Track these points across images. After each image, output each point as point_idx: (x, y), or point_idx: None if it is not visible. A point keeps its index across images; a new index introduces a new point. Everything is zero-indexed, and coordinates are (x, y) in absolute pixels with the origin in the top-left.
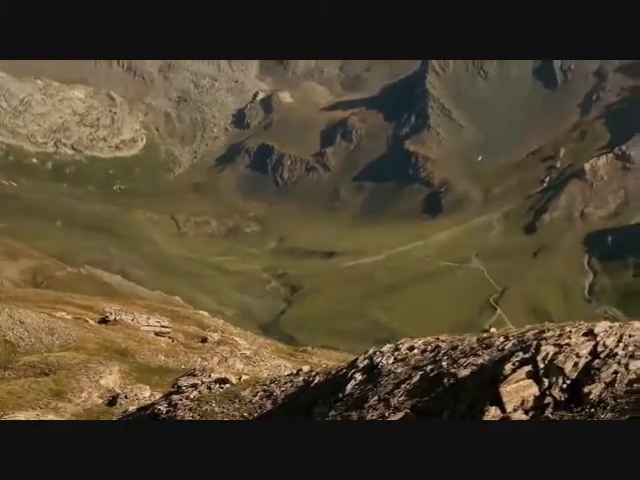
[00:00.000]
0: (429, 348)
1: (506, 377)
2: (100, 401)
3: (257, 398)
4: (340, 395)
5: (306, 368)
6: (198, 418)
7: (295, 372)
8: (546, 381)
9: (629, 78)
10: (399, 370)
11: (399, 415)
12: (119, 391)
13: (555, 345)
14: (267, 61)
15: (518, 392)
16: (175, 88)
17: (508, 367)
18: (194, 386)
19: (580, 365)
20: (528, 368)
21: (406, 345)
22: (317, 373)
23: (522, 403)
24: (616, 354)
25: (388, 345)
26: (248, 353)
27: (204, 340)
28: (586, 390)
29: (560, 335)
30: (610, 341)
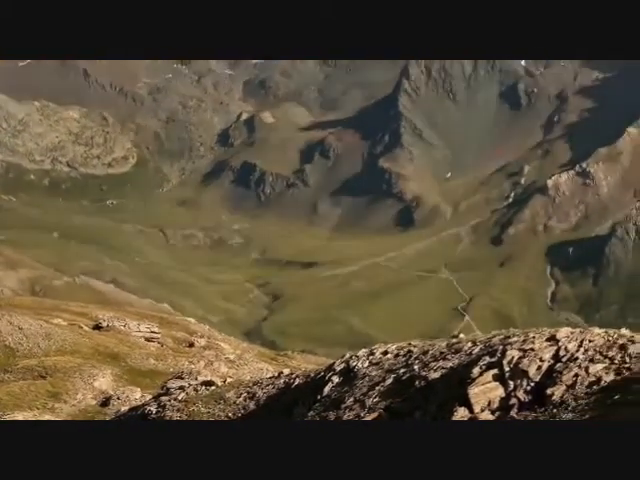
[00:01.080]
0: (402, 352)
1: (474, 380)
2: (94, 402)
3: (241, 399)
4: (318, 397)
5: (286, 371)
6: (185, 418)
7: (276, 375)
8: (511, 383)
9: (588, 100)
10: (373, 373)
11: (373, 415)
12: (112, 393)
13: (520, 350)
14: (250, 84)
15: (485, 394)
16: (164, 109)
17: (476, 370)
18: (182, 388)
19: (543, 368)
20: (494, 371)
21: (380, 350)
22: (297, 376)
23: (489, 404)
24: (577, 358)
25: (363, 350)
26: (232, 357)
27: (191, 345)
28: (549, 392)
29: (524, 340)
30: (571, 346)
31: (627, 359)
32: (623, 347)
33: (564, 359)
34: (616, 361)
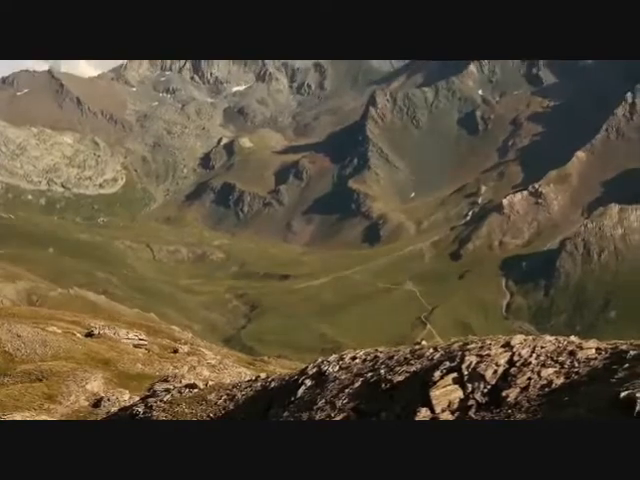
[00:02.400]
0: (369, 358)
1: (435, 383)
2: (86, 403)
3: (221, 401)
4: (293, 398)
5: (263, 375)
6: (170, 418)
7: (254, 378)
8: (470, 386)
9: (539, 126)
10: (343, 377)
11: (343, 415)
12: (103, 395)
13: (477, 355)
14: (229, 111)
15: (445, 396)
16: (150, 135)
17: (437, 374)
18: (167, 390)
19: (499, 372)
20: (454, 375)
21: (349, 355)
22: (273, 379)
23: (449, 405)
24: (530, 363)
25: (334, 355)
26: (213, 362)
27: (175, 351)
28: (504, 394)
29: (482, 347)
30: (525, 352)
31: (576, 364)
32: (572, 353)
33: (518, 364)
34: (566, 366)
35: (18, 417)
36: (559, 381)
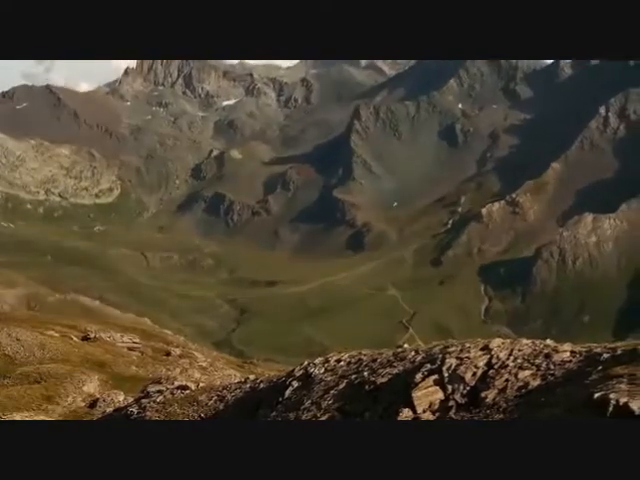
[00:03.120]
0: (353, 360)
1: (417, 384)
2: (83, 404)
3: (212, 402)
4: (280, 399)
5: (252, 377)
6: (163, 418)
7: (243, 380)
8: (450, 387)
9: (516, 138)
10: (328, 378)
11: (328, 415)
12: (98, 396)
13: (457, 358)
14: (220, 124)
15: (427, 397)
16: (144, 147)
17: (418, 376)
18: (160, 392)
19: (478, 374)
20: (435, 377)
21: (334, 358)
22: (261, 381)
23: (430, 406)
24: (507, 365)
25: (319, 358)
26: (204, 364)
27: (168, 354)
28: (483, 395)
29: (461, 350)
30: (502, 354)
31: (551, 366)
32: (548, 356)
33: (496, 366)
34: (542, 368)
35: (18, 417)
36: (535, 383)
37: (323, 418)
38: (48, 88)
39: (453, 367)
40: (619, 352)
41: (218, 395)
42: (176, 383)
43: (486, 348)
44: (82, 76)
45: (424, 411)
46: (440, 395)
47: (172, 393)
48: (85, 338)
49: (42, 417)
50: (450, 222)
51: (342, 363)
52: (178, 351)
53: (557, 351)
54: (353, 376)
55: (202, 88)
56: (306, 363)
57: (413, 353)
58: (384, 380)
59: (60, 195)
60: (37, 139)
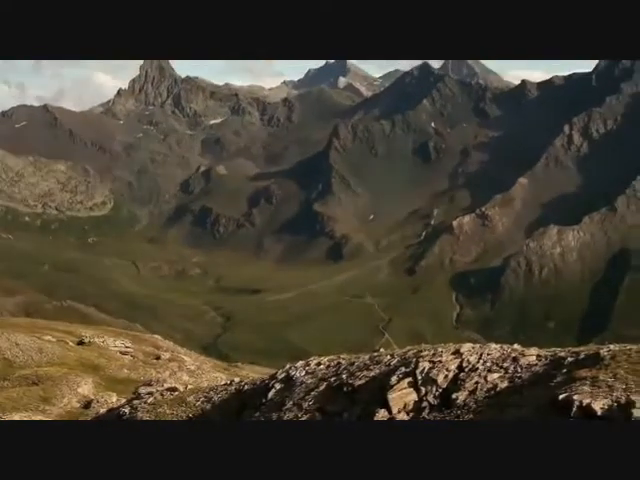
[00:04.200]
0: (332, 364)
1: (392, 386)
2: (78, 405)
3: (199, 403)
4: (264, 400)
5: (237, 379)
6: (153, 418)
7: (229, 382)
8: (423, 389)
9: (485, 154)
10: (309, 381)
11: (309, 416)
12: (93, 397)
13: (430, 362)
14: (207, 142)
15: (401, 398)
16: (136, 163)
17: (394, 379)
18: (150, 393)
19: (449, 377)
20: (409, 379)
21: (314, 362)
22: (246, 383)
23: (404, 406)
24: (477, 368)
25: (301, 362)
26: (192, 368)
27: (158, 358)
28: (454, 396)
29: (434, 354)
30: (473, 358)
31: (518, 369)
32: (515, 359)
33: (467, 369)
34: (509, 371)
35: (17, 417)
36: (504, 385)
37: (304, 418)
38: (45, 108)
39: (426, 370)
40: (582, 356)
41: (205, 396)
42: (166, 385)
43: (457, 352)
44: (77, 96)
45: (399, 411)
46: (414, 396)
47: (162, 394)
48: (80, 343)
49: (40, 417)
50: (423, 234)
51: (322, 366)
52: (167, 355)
53: (524, 355)
54: (332, 379)
55: (190, 108)
56: (288, 366)
57: (388, 357)
58: (361, 382)
59: (56, 208)
60: (35, 156)
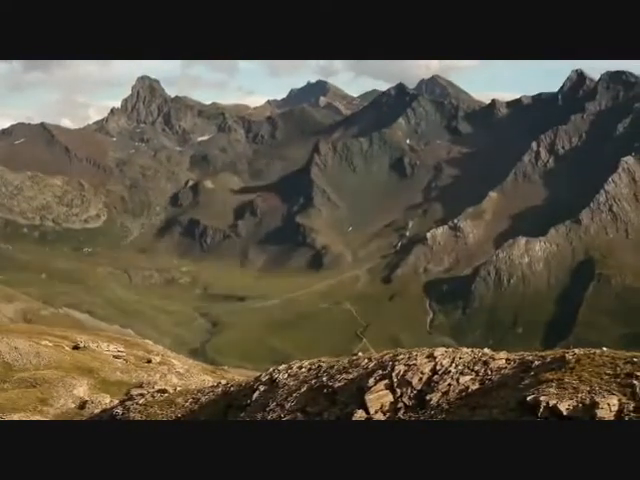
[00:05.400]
0: (313, 367)
1: (369, 388)
2: (73, 406)
3: (188, 404)
4: (248, 401)
5: (224, 382)
6: (145, 418)
7: (216, 384)
8: (399, 391)
9: (457, 169)
10: (291, 383)
11: (291, 416)
12: (87, 399)
13: (405, 365)
14: (195, 158)
15: (378, 399)
16: (128, 177)
17: (371, 381)
18: (142, 395)
19: (424, 379)
20: (386, 381)
21: (296, 365)
22: (232, 385)
23: (381, 407)
24: (450, 371)
25: (283, 365)
26: (181, 371)
27: (149, 361)
28: (428, 398)
29: (409, 358)
30: (445, 362)
31: (489, 372)
32: (486, 363)
33: (440, 372)
34: (480, 373)
35: (16, 417)
36: (475, 387)
37: (286, 418)
38: (43, 126)
39: (402, 373)
40: (548, 359)
41: (193, 398)
42: (156, 387)
43: (431, 356)
44: (72, 114)
45: (376, 412)
46: (390, 398)
47: (153, 396)
48: (75, 347)
49: (37, 417)
50: (399, 244)
51: (303, 369)
52: (158, 359)
53: (494, 359)
54: (313, 381)
55: (179, 125)
56: (271, 369)
57: (366, 360)
58: (341, 384)
59: (53, 220)
60: (33, 171)
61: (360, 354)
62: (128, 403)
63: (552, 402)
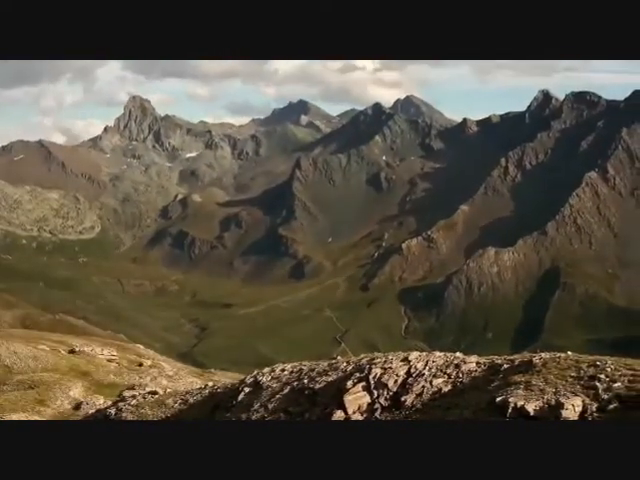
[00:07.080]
0: (295, 370)
1: (348, 390)
2: (69, 406)
3: (177, 404)
4: (234, 402)
5: (211, 384)
6: (136, 418)
7: (203, 386)
8: (375, 393)
9: (430, 184)
10: (274, 385)
11: (274, 416)
12: (82, 400)
13: (382, 368)
14: (184, 173)
15: (356, 400)
16: (120, 192)
17: (349, 383)
18: (134, 396)
19: (399, 382)
20: (363, 384)
21: (279, 368)
22: (218, 387)
23: (359, 408)
24: (424, 374)
25: (267, 368)
26: (171, 373)
27: (140, 364)
28: (403, 399)
29: (385, 361)
30: (420, 365)
31: (460, 375)
32: (457, 366)
33: (414, 375)
34: (452, 376)
35: (15, 417)
36: (447, 388)
37: (270, 418)
38: (40, 143)
39: (378, 375)
40: (517, 363)
41: (182, 399)
42: (147, 389)
43: (406, 360)
44: (68, 132)
45: (354, 412)
46: (367, 399)
47: (144, 397)
48: (71, 351)
49: (35, 417)
50: (376, 254)
51: (286, 372)
52: (149, 362)
53: (465, 362)
54: (295, 383)
55: (169, 143)
56: (256, 372)
57: (345, 364)
58: (321, 386)
59: (50, 232)
60: (31, 185)
61: (339, 358)
62: (121, 404)
63: (520, 403)
